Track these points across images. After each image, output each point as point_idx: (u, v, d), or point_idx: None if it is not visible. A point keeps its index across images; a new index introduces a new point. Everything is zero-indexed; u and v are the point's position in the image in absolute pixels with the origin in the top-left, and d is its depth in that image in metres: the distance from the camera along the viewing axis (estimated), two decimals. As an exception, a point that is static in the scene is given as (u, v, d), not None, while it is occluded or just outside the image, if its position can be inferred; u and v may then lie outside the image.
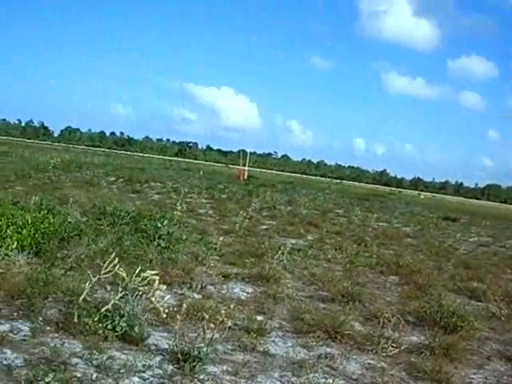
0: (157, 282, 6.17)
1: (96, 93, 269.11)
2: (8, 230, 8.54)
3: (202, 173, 45.09)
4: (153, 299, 6.23)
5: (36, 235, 9.09)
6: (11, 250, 7.88)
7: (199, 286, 8.66)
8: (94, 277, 6.59)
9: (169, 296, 7.02)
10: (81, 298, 6.44)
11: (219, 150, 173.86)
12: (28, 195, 15.26)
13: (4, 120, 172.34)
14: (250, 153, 71.54)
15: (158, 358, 5.77)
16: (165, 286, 6.41)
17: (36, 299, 6.70)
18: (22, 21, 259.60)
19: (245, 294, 8.94)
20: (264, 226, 17.56)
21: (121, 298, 6.33)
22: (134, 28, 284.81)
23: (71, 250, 9.23)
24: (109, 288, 7.23)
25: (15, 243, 8.04)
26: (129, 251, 9.56)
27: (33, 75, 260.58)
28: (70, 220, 10.92)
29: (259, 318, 7.63)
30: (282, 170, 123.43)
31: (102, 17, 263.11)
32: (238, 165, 70.17)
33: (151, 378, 5.28)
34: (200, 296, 8.27)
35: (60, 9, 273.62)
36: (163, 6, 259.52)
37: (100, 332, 5.98)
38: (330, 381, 5.59)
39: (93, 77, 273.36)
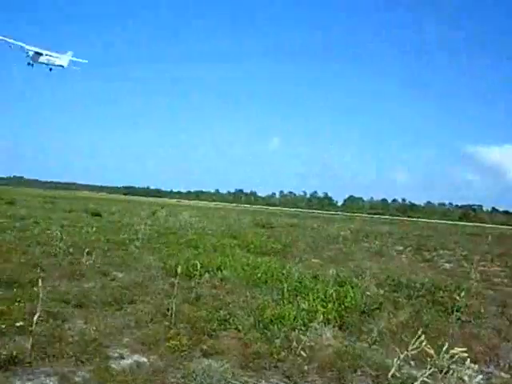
0: (468, 360, 6.07)
1: (376, 161, 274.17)
2: (316, 304, 9.14)
3: (489, 238, 42.82)
4: (465, 378, 6.13)
5: (339, 308, 9.57)
6: (318, 323, 8.37)
7: (507, 365, 8.24)
8: (401, 352, 6.70)
9: (480, 376, 6.81)
10: (390, 374, 6.59)
11: (506, 212, 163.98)
12: (323, 267, 16.12)
13: (291, 193, 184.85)
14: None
15: None
16: (476, 365, 6.28)
17: (345, 372, 7.03)
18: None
19: (559, 374, 8.27)
20: None
21: (429, 374, 6.34)
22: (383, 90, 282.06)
23: (373, 323, 9.50)
24: (413, 363, 7.25)
25: (321, 316, 8.53)
26: (429, 325, 9.51)
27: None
28: (368, 293, 11.28)
29: None
30: None
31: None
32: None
33: None
34: (508, 376, 7.87)
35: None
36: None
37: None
38: None
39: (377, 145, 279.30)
